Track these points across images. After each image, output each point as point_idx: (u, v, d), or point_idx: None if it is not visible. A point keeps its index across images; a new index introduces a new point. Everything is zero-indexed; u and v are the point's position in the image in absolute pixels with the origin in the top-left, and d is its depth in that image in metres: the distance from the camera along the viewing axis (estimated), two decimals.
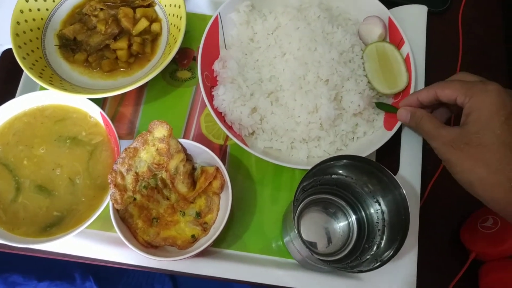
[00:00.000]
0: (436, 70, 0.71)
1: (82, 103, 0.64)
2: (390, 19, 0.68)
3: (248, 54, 0.68)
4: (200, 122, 0.70)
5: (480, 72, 0.54)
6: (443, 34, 0.77)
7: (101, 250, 0.60)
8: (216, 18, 0.67)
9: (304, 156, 0.63)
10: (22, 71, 0.64)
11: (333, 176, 0.57)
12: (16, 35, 0.65)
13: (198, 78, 0.63)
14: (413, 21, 0.72)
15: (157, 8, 0.74)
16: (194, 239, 0.57)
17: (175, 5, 0.70)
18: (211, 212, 0.59)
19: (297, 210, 0.60)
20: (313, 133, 0.62)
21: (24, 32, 0.67)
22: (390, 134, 0.62)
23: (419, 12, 0.73)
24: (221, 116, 0.64)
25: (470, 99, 0.48)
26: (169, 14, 0.72)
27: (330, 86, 0.63)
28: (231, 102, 0.63)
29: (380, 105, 0.66)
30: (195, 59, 0.74)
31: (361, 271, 0.50)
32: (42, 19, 0.71)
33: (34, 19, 0.69)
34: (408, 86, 0.64)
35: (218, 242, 0.62)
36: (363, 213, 0.59)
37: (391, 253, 0.48)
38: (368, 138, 0.65)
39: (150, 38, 0.71)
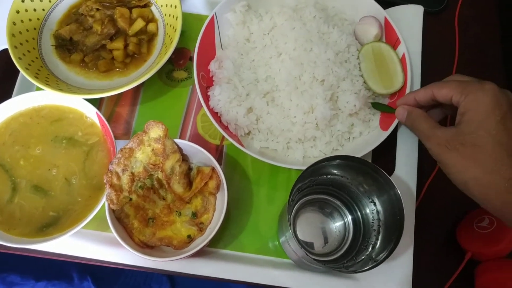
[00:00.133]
0: (433, 70, 0.71)
1: (78, 104, 0.64)
2: (386, 19, 0.68)
3: (244, 54, 0.68)
4: (196, 122, 0.70)
5: (476, 71, 0.54)
6: (439, 34, 0.77)
7: (97, 250, 0.60)
8: (212, 18, 0.67)
9: (300, 156, 0.63)
10: (18, 71, 0.64)
11: (329, 176, 0.57)
12: (12, 36, 0.65)
13: (194, 78, 0.63)
14: (409, 21, 0.72)
15: (153, 8, 0.74)
16: (190, 239, 0.57)
17: (171, 5, 0.70)
18: (207, 212, 0.59)
19: (293, 210, 0.60)
20: (309, 133, 0.62)
21: (20, 33, 0.67)
22: (386, 134, 0.62)
23: (415, 12, 0.73)
24: (217, 116, 0.64)
25: (466, 97, 0.48)
26: (165, 14, 0.72)
27: (326, 86, 0.63)
28: (227, 102, 0.63)
29: (376, 105, 0.66)
30: (191, 59, 0.74)
31: (356, 271, 0.50)
32: (38, 19, 0.70)
33: (30, 20, 0.69)
34: (404, 86, 0.65)
35: (214, 242, 0.62)
36: (358, 213, 0.59)
37: (386, 253, 0.49)
38: (364, 138, 0.65)
39: (146, 38, 0.71)
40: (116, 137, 0.61)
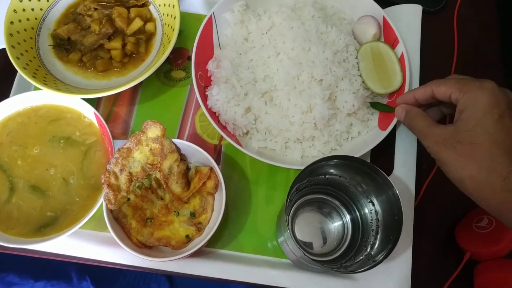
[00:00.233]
0: (431, 69, 0.71)
1: (76, 103, 0.64)
2: (384, 19, 0.68)
3: (242, 54, 0.68)
4: (194, 121, 0.69)
5: (475, 70, 0.54)
6: (438, 34, 0.77)
7: (95, 250, 0.60)
8: (210, 17, 0.67)
9: (298, 156, 0.63)
10: (16, 71, 0.64)
11: (327, 176, 0.57)
12: (10, 35, 0.65)
13: (192, 78, 0.63)
14: (408, 20, 0.72)
15: (151, 7, 0.74)
16: (188, 239, 0.57)
17: (169, 5, 0.69)
18: (205, 212, 0.59)
19: (291, 210, 0.60)
20: (307, 133, 0.62)
21: (18, 32, 0.67)
22: (384, 134, 0.61)
23: (414, 12, 0.73)
24: (215, 116, 0.64)
25: (464, 95, 0.48)
26: (163, 14, 0.72)
27: (324, 86, 0.63)
28: (225, 102, 0.63)
29: (374, 105, 0.66)
30: (189, 58, 0.74)
31: (355, 272, 0.50)
32: (36, 19, 0.70)
33: (28, 19, 0.69)
34: (402, 86, 0.64)
35: (213, 242, 0.62)
36: (357, 213, 0.58)
37: (385, 253, 0.48)
38: (362, 138, 0.65)
39: (144, 37, 0.71)
40: (114, 137, 0.61)
